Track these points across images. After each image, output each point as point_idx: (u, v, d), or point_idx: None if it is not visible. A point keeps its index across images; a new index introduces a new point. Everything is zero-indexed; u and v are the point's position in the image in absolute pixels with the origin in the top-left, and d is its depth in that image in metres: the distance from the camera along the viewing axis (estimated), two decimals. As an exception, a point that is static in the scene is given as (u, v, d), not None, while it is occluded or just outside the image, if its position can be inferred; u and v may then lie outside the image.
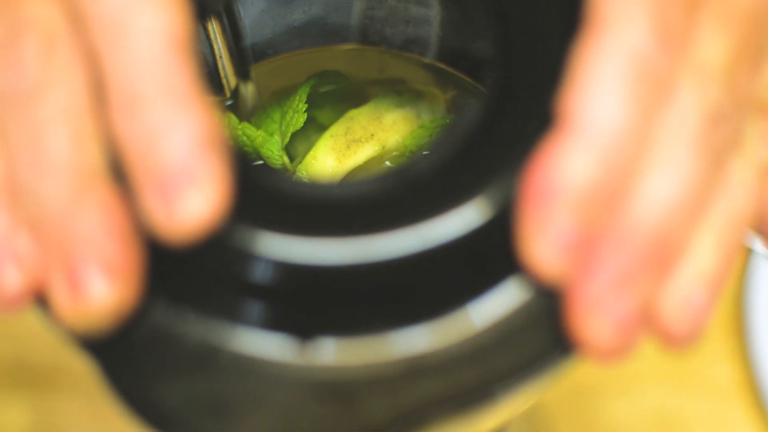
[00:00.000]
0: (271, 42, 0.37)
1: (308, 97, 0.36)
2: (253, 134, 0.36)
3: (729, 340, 0.54)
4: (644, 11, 0.25)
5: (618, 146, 0.25)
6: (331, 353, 0.25)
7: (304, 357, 0.25)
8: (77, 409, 0.52)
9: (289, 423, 0.25)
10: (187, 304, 0.26)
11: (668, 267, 0.25)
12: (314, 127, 0.37)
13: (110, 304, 0.24)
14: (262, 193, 0.26)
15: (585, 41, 0.25)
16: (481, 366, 0.25)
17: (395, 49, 0.36)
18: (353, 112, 0.36)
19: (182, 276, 0.26)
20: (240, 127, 0.36)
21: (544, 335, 0.26)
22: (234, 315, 0.26)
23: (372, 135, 0.35)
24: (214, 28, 0.34)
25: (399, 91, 0.36)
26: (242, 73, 0.36)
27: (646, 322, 0.25)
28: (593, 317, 0.25)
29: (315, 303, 0.26)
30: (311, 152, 0.36)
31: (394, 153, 0.36)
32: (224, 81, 0.36)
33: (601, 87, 0.25)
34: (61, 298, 0.24)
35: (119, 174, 0.25)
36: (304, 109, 0.36)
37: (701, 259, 0.26)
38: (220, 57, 0.35)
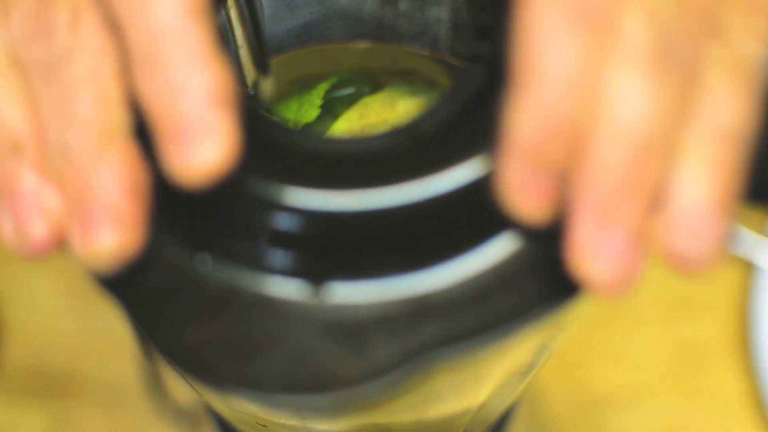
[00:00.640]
0: (284, 37, 0.38)
1: (325, 94, 0.37)
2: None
3: (734, 354, 0.54)
4: None
5: (570, 86, 0.25)
6: (342, 294, 0.27)
7: (317, 297, 0.27)
8: (94, 417, 0.53)
9: (304, 360, 0.26)
10: (210, 251, 0.28)
11: (655, 190, 0.26)
12: (329, 116, 0.38)
13: (115, 249, 0.27)
14: (280, 148, 0.28)
15: None
16: (484, 308, 0.27)
17: (407, 45, 0.38)
18: (367, 99, 0.37)
19: (207, 226, 0.28)
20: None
21: (545, 278, 0.27)
22: (253, 260, 0.27)
23: (385, 120, 0.37)
24: (234, 17, 0.36)
25: (411, 81, 0.37)
26: (262, 65, 0.38)
27: (653, 249, 0.26)
28: (588, 255, 0.26)
29: (329, 248, 0.27)
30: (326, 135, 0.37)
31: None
32: (244, 73, 0.37)
33: (545, 33, 0.26)
34: (76, 242, 0.27)
35: (142, 134, 0.27)
36: (318, 104, 0.37)
37: (694, 177, 0.26)
38: (241, 47, 0.36)
